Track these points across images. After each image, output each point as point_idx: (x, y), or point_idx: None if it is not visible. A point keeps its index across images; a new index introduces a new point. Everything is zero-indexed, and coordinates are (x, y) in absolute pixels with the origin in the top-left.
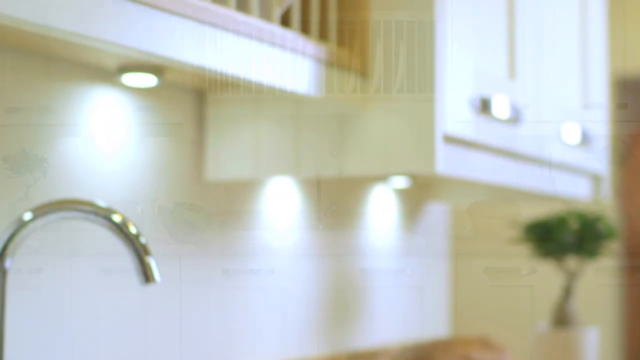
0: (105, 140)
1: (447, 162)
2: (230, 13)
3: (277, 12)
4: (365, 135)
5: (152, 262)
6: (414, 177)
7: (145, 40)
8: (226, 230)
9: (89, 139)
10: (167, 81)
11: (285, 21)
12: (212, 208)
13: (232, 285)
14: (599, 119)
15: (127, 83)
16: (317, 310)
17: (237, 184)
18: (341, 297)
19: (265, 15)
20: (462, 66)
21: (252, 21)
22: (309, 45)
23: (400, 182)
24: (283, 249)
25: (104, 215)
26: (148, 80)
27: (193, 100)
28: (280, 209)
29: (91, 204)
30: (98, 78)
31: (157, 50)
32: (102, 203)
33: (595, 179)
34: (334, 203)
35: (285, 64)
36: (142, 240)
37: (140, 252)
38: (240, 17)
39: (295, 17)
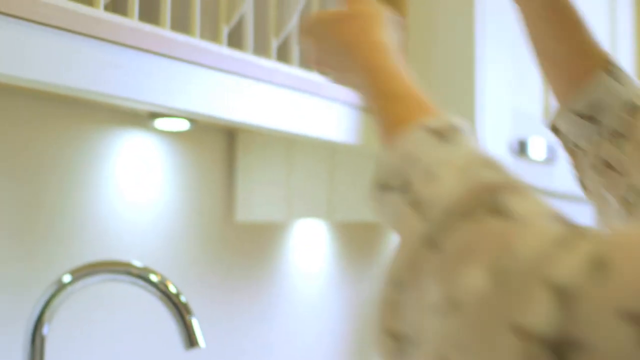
0: (136, 183)
1: None
2: (271, 65)
3: None
4: None
5: (195, 323)
6: None
7: (179, 96)
8: (256, 271)
9: (121, 182)
10: (199, 125)
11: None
12: (242, 250)
13: (259, 327)
14: None
15: (159, 127)
16: (345, 355)
17: (268, 225)
18: (369, 342)
19: (304, 63)
20: (500, 108)
21: (292, 71)
22: (347, 92)
23: None
24: (312, 292)
25: (141, 276)
26: (180, 124)
27: (224, 141)
28: (310, 252)
29: (128, 265)
30: (129, 122)
31: (191, 108)
32: (138, 263)
33: None
34: (365, 247)
35: (323, 111)
36: (183, 299)
37: (182, 313)
38: (281, 68)
39: None
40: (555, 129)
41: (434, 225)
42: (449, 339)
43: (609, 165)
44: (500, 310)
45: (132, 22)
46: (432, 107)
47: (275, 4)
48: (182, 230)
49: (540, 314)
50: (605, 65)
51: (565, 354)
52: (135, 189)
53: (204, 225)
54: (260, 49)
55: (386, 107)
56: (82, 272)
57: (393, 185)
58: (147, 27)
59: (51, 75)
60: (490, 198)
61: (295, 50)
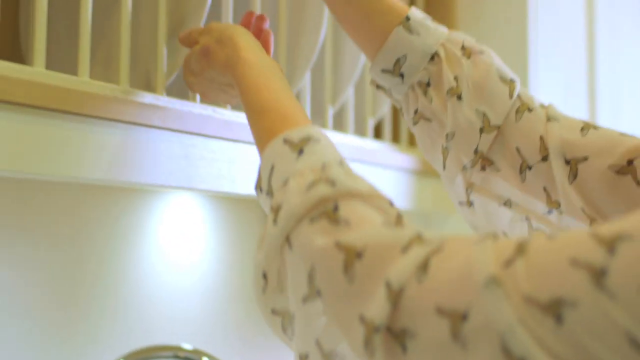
0: (178, 244)
1: None
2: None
3: (371, 124)
4: None
5: None
6: None
7: (240, 178)
8: None
9: (163, 243)
10: None
11: (376, 132)
12: None
13: None
14: None
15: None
16: None
17: None
18: None
19: (359, 130)
20: None
21: (348, 139)
22: (400, 156)
23: None
24: None
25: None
26: None
27: None
28: None
29: (179, 348)
30: None
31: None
32: (188, 346)
33: None
34: None
35: (376, 178)
36: None
37: None
38: (336, 136)
39: (387, 128)
40: (377, 86)
41: (287, 228)
42: (314, 319)
43: (423, 116)
44: (351, 304)
45: (196, 107)
46: (295, 118)
47: (331, 73)
48: (224, 291)
49: (377, 308)
50: (401, 21)
51: (401, 339)
52: (178, 249)
53: (245, 286)
54: (317, 118)
55: (255, 121)
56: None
57: (263, 189)
58: (209, 111)
59: (127, 174)
60: (329, 207)
61: (350, 119)
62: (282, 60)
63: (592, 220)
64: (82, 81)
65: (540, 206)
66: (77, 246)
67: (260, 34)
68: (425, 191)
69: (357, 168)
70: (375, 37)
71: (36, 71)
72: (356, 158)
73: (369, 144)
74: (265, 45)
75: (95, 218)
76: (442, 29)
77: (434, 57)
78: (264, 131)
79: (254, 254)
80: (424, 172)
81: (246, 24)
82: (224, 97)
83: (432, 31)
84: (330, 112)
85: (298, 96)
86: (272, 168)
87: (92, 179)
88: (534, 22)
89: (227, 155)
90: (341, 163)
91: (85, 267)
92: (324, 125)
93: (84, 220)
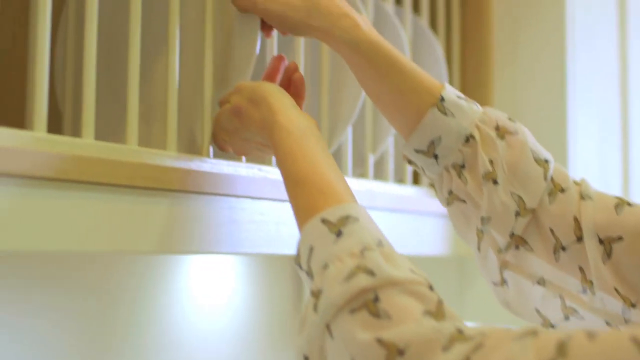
0: (208, 289)
1: None
2: (368, 184)
3: (410, 170)
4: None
5: None
6: None
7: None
8: None
9: (193, 288)
10: None
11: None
12: None
13: None
14: None
15: None
16: None
17: None
18: None
19: (398, 176)
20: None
21: (388, 187)
22: (437, 203)
23: None
24: None
25: None
26: None
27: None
28: None
29: None
30: None
31: (283, 252)
32: None
33: None
34: None
35: (415, 225)
36: None
37: None
38: (377, 185)
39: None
40: (409, 161)
41: (327, 317)
42: None
43: (458, 198)
44: None
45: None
46: (333, 191)
47: (372, 124)
48: (253, 332)
49: None
50: (435, 101)
51: None
52: (207, 294)
53: (274, 326)
54: (357, 167)
55: (293, 192)
56: None
57: (303, 268)
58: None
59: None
60: (369, 298)
61: (390, 167)
62: (324, 115)
63: (625, 300)
64: (132, 149)
65: (574, 285)
66: (109, 293)
67: (289, 84)
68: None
69: (396, 218)
70: (408, 117)
71: (86, 143)
72: (396, 208)
73: (408, 190)
74: (298, 97)
75: (127, 267)
76: (476, 108)
77: (468, 138)
78: (302, 205)
79: (295, 336)
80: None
81: (274, 71)
82: (259, 154)
83: (466, 111)
84: (371, 160)
85: (339, 148)
86: (311, 249)
87: (140, 251)
88: (572, 63)
89: (276, 216)
90: (380, 244)
91: (117, 313)
92: (364, 174)
93: (116, 269)
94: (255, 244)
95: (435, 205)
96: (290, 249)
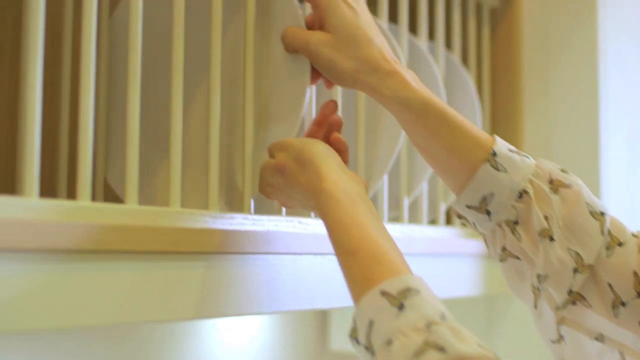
0: (232, 330)
1: None
2: (404, 229)
3: (442, 209)
4: (515, 319)
5: None
6: None
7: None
8: None
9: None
10: None
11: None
12: None
13: None
14: None
15: None
16: None
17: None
18: None
19: (431, 217)
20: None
21: (422, 230)
22: (469, 243)
23: None
24: None
25: None
26: None
27: None
28: None
29: None
30: None
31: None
32: None
33: None
34: None
35: (450, 268)
36: None
37: None
38: (412, 230)
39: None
40: (459, 216)
41: None
42: None
43: (511, 255)
44: None
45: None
46: (389, 261)
47: (407, 169)
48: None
49: None
50: (487, 156)
51: None
52: (231, 325)
53: (299, 355)
54: (392, 210)
55: (346, 262)
56: None
57: (361, 342)
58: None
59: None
60: None
61: (424, 209)
62: (361, 164)
63: None
64: (175, 211)
65: (634, 340)
66: (137, 332)
67: (329, 138)
68: (488, 274)
69: (432, 262)
70: (460, 172)
71: (130, 209)
72: (432, 252)
73: (442, 232)
74: (342, 153)
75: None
76: (529, 161)
77: (521, 194)
78: (357, 276)
79: None
80: (487, 255)
81: (323, 118)
82: (302, 210)
83: (518, 165)
84: (406, 203)
85: (376, 194)
86: (371, 323)
87: (178, 319)
88: (604, 95)
89: (316, 272)
90: (444, 317)
91: (145, 353)
92: (399, 218)
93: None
94: (295, 302)
95: (468, 245)
96: (331, 303)
